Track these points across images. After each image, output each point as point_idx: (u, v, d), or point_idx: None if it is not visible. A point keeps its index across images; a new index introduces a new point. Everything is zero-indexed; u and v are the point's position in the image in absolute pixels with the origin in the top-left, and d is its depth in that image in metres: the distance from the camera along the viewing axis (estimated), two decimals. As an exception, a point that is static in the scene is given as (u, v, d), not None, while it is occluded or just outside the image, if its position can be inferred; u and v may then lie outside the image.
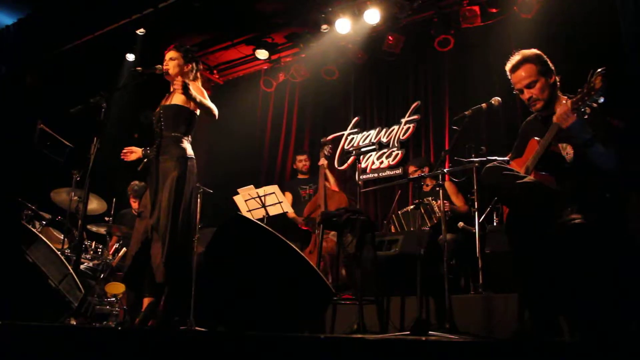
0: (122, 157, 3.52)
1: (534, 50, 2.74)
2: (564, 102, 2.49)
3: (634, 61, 4.23)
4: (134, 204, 5.67)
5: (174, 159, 3.27)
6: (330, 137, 6.88)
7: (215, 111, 3.37)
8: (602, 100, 2.33)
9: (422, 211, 4.51)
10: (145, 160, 3.40)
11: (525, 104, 2.76)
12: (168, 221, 3.14)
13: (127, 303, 4.70)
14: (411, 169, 5.16)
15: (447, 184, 4.85)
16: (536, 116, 2.79)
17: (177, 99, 3.39)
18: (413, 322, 3.16)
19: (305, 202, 5.65)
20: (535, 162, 2.56)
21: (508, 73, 2.77)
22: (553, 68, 2.71)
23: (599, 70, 2.31)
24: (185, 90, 3.15)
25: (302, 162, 5.97)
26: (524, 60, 2.70)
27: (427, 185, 5.01)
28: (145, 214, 3.27)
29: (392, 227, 4.97)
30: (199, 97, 3.29)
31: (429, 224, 4.48)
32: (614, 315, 2.22)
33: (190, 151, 3.37)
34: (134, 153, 3.52)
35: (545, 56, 2.72)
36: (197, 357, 1.82)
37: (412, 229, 4.75)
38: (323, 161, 5.58)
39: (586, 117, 2.41)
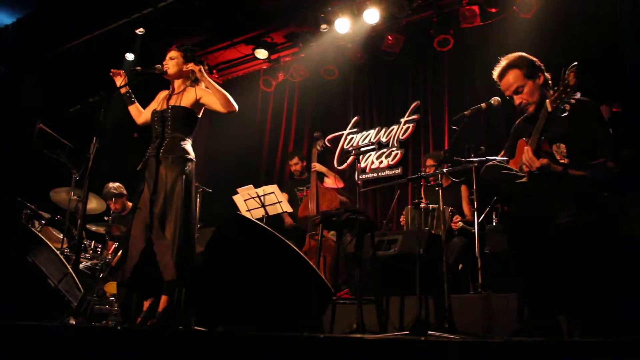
0: (110, 73, 3.58)
1: (518, 54, 2.74)
2: (525, 140, 2.49)
3: (631, 60, 4.25)
4: (113, 205, 5.65)
5: (179, 159, 3.29)
6: (330, 136, 6.89)
7: (233, 100, 3.38)
8: (578, 95, 2.35)
9: (423, 213, 4.47)
10: (145, 159, 3.40)
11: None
12: (178, 221, 3.16)
13: (119, 300, 4.65)
14: (429, 162, 5.02)
15: (464, 188, 4.80)
16: (526, 116, 2.79)
17: (186, 101, 3.41)
18: (412, 322, 3.16)
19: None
20: None
21: (496, 80, 2.78)
22: (542, 67, 2.70)
23: (571, 66, 2.31)
24: (202, 76, 3.28)
25: (292, 165, 5.94)
26: (509, 66, 2.70)
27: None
28: (144, 213, 3.25)
29: (403, 219, 4.88)
30: (214, 84, 3.36)
31: (440, 231, 4.41)
32: (614, 315, 2.22)
33: (192, 152, 3.40)
34: (120, 77, 3.56)
35: (530, 57, 2.72)
36: (197, 357, 1.82)
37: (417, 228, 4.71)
38: (314, 165, 5.56)
39: (566, 114, 2.42)
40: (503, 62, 2.74)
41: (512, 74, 2.68)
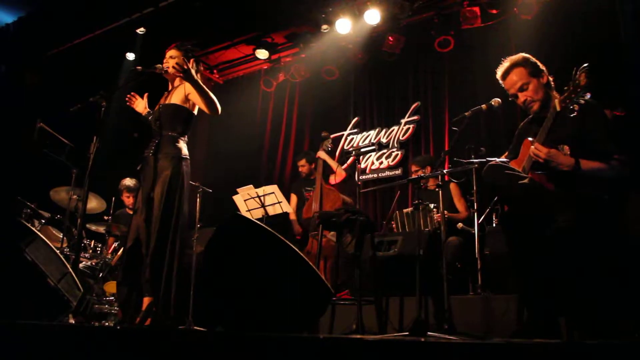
0: (126, 99, 3.58)
1: (522, 54, 2.76)
2: (530, 140, 2.50)
3: (633, 61, 4.24)
4: (128, 200, 5.66)
5: (169, 158, 3.27)
6: (331, 136, 6.86)
7: (218, 105, 3.31)
8: (588, 96, 2.35)
9: (421, 214, 4.49)
10: (142, 160, 3.40)
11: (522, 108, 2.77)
12: (159, 220, 3.15)
13: (119, 299, 4.67)
14: (413, 168, 5.09)
15: (453, 186, 4.83)
16: (532, 118, 2.80)
17: (176, 98, 3.39)
18: (412, 323, 3.16)
19: (308, 203, 5.64)
20: (531, 162, 2.56)
21: (500, 81, 2.78)
22: (544, 68, 2.71)
23: (583, 66, 2.32)
24: (187, 74, 3.15)
25: (299, 167, 5.91)
26: (513, 65, 2.71)
27: (432, 185, 4.92)
28: (141, 214, 3.27)
29: (394, 225, 4.93)
30: (200, 83, 3.26)
31: (429, 228, 4.46)
32: (613, 317, 2.22)
33: (185, 151, 3.36)
34: (139, 104, 3.58)
35: (533, 58, 2.73)
36: (196, 357, 1.82)
37: (412, 229, 4.74)
38: (320, 153, 5.49)
39: (574, 114, 2.42)
40: (506, 62, 2.75)
41: (517, 72, 2.69)
